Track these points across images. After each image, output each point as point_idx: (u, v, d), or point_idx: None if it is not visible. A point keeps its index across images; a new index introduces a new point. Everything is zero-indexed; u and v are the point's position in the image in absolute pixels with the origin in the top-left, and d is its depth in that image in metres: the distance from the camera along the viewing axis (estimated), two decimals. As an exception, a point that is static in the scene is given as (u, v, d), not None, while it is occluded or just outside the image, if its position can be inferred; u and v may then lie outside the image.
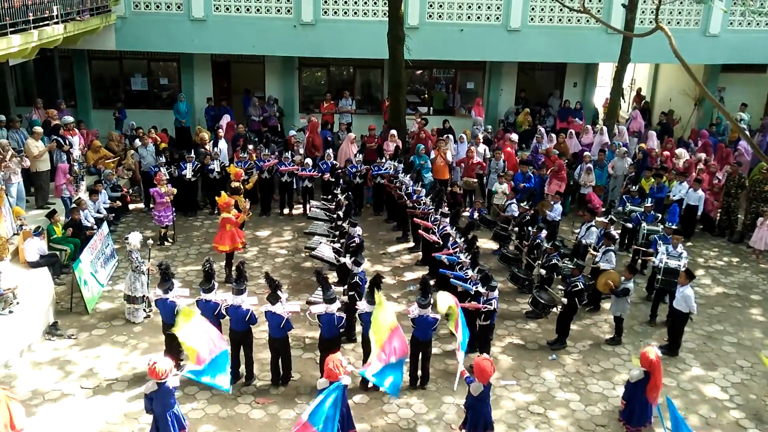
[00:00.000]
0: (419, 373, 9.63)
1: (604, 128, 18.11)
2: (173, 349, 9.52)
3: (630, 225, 13.98)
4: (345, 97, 19.53)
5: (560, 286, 11.09)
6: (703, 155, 16.72)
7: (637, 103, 22.91)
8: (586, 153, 16.49)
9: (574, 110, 20.32)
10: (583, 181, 15.94)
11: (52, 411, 8.86)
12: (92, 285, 11.58)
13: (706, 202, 15.05)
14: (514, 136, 17.90)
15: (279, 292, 9.28)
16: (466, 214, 15.71)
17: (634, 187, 14.94)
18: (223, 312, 9.34)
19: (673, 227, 12.67)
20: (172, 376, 7.57)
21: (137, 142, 16.20)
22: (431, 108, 21.41)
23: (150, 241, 12.11)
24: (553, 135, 18.03)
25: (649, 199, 13.98)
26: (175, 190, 14.03)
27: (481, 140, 17.19)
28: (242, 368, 9.60)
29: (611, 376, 10.12)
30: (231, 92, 21.10)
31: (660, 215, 13.76)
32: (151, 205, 14.69)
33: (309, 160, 15.75)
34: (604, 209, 16.03)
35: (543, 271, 11.90)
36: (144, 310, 11.06)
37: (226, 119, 18.39)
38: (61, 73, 18.55)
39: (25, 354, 10.04)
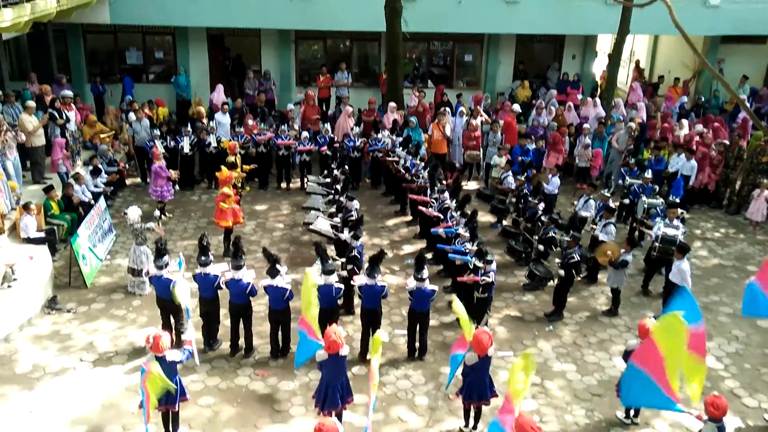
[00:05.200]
0: (417, 344, 9.70)
1: (598, 101, 18.02)
2: (169, 324, 9.61)
3: (628, 200, 13.96)
4: (341, 70, 19.37)
5: (557, 259, 11.13)
6: (700, 126, 16.65)
7: (637, 76, 22.76)
8: (585, 126, 16.43)
9: (572, 82, 20.19)
10: (579, 154, 15.91)
11: (53, 384, 8.92)
12: (90, 259, 11.60)
13: (703, 174, 15.05)
14: (516, 107, 17.81)
15: (278, 266, 9.31)
16: (469, 186, 15.71)
17: (632, 160, 14.91)
18: (223, 285, 9.38)
19: (676, 200, 12.64)
20: (170, 349, 7.63)
21: (131, 116, 16.10)
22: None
23: (158, 214, 12.44)
24: (552, 108, 17.93)
25: (648, 172, 13.95)
26: (177, 173, 14.00)
27: (482, 112, 17.11)
28: (241, 341, 9.67)
29: (608, 347, 10.21)
30: (230, 66, 20.97)
31: (657, 187, 13.75)
32: (148, 180, 14.66)
33: (306, 134, 15.67)
34: (600, 181, 16.09)
35: (540, 247, 11.93)
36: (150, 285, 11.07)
37: (219, 92, 18.26)
38: (55, 48, 18.37)
39: (25, 328, 10.09)
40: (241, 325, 9.58)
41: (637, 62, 23.66)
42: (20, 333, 9.98)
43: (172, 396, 7.68)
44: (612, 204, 12.68)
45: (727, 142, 15.70)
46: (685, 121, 16.99)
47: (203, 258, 9.42)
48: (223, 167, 12.74)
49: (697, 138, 15.96)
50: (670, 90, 20.05)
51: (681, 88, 20.20)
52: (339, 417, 7.92)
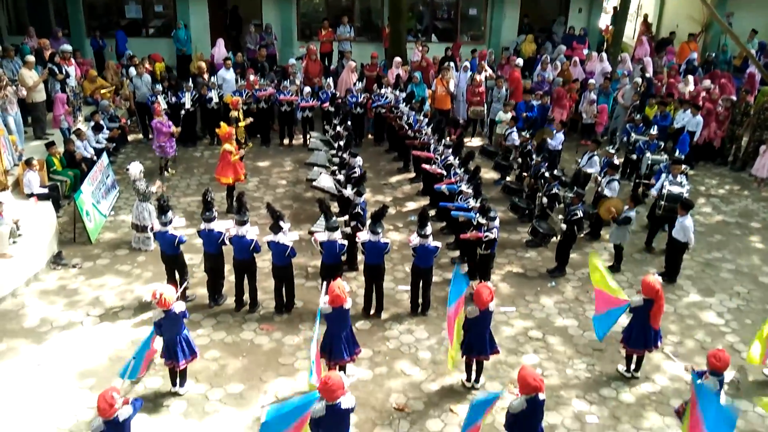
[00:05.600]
0: (420, 300, 9.77)
1: (604, 55, 17.75)
2: (174, 279, 9.68)
3: (634, 156, 13.86)
4: (344, 24, 19.06)
5: (561, 216, 11.12)
6: (708, 81, 16.43)
7: (644, 30, 22.38)
8: (590, 81, 16.23)
9: (578, 37, 19.87)
10: (584, 110, 15.76)
11: (61, 338, 9.03)
12: (94, 215, 11.62)
13: (708, 130, 14.92)
14: (519, 60, 17.57)
15: (281, 222, 9.32)
16: (473, 143, 15.61)
17: (638, 116, 14.76)
18: (227, 241, 9.40)
19: (680, 157, 12.56)
20: (177, 302, 7.70)
21: (132, 71, 15.92)
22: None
23: (166, 174, 12.59)
24: (558, 63, 17.68)
25: (654, 128, 13.82)
26: (179, 130, 13.90)
27: (486, 67, 16.89)
28: (246, 296, 9.75)
29: (609, 302, 10.26)
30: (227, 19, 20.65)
31: (663, 143, 13.64)
32: (150, 137, 14.58)
33: (308, 89, 15.52)
34: (606, 137, 15.98)
35: (545, 200, 11.91)
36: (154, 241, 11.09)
37: (220, 46, 18.02)
38: (53, 1, 18.05)
39: (32, 283, 10.17)
40: (246, 281, 9.65)
41: (645, 16, 23.24)
42: (27, 288, 10.06)
43: (178, 353, 7.77)
44: (616, 160, 12.61)
45: (734, 97, 15.51)
46: (690, 77, 16.76)
47: (207, 214, 9.42)
48: (222, 123, 12.65)
49: (703, 93, 15.75)
50: (683, 46, 19.70)
51: (696, 44, 19.84)
52: (343, 370, 8.03)
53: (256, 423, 7.68)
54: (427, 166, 12.48)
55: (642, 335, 8.28)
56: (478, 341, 8.07)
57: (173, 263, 9.69)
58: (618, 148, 13.70)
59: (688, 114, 14.77)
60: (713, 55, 19.37)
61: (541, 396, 6.35)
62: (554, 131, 14.13)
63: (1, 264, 9.95)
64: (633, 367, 8.62)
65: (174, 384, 8.08)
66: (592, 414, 8.02)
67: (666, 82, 16.90)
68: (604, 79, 16.48)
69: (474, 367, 8.33)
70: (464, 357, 8.27)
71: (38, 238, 10.70)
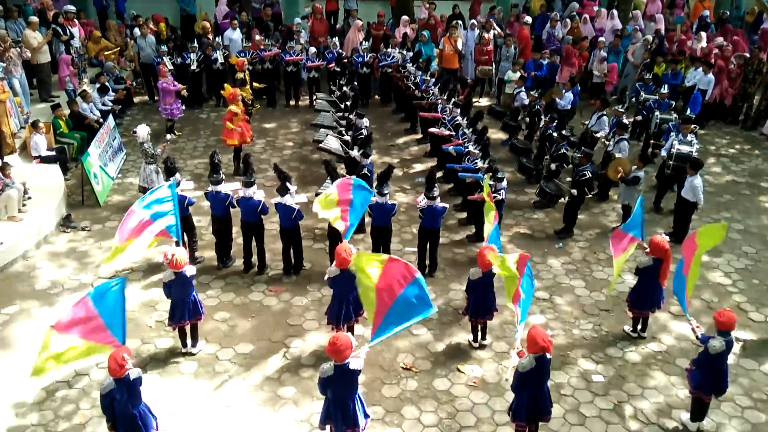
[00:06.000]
0: (427, 262, 9.81)
1: (615, 12, 17.41)
2: (183, 241, 9.71)
3: (642, 116, 13.68)
4: (350, -18, 18.75)
5: (569, 178, 11.05)
6: (720, 38, 16.13)
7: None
8: (600, 39, 15.96)
9: (589, -8, 19.46)
10: (595, 69, 15.53)
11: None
12: (102, 178, 11.65)
13: (720, 88, 14.69)
14: (528, 18, 17.26)
15: (288, 184, 9.32)
16: (481, 103, 15.44)
17: (648, 74, 14.52)
18: (234, 203, 9.42)
19: (690, 116, 12.40)
20: (188, 266, 7.76)
21: (136, 31, 15.75)
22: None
23: (172, 135, 12.68)
24: (568, 20, 17.37)
25: (665, 86, 13.60)
26: (185, 87, 13.80)
27: (494, 25, 16.62)
28: (254, 258, 9.80)
29: (617, 263, 10.26)
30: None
31: (674, 103, 13.45)
32: (156, 98, 14.51)
33: (313, 49, 15.33)
34: (615, 97, 15.78)
35: (552, 163, 11.84)
36: None
37: (222, 3, 17.77)
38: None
39: (42, 246, 10.26)
40: (254, 243, 9.69)
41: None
42: (37, 250, 10.15)
43: (186, 312, 7.86)
44: (626, 120, 12.47)
45: (747, 55, 15.24)
46: (703, 34, 16.43)
47: (214, 176, 9.42)
48: (226, 84, 12.54)
49: (716, 51, 15.47)
50: (697, 4, 19.24)
51: (709, 1, 19.38)
52: (351, 330, 8.12)
53: (266, 382, 7.82)
54: (434, 130, 12.38)
55: (648, 296, 8.31)
56: (483, 303, 8.12)
57: (182, 225, 9.70)
58: (627, 108, 13.53)
59: (699, 72, 14.53)
60: (726, 12, 18.95)
61: (548, 355, 6.41)
62: (563, 91, 13.96)
63: (12, 227, 10.03)
64: (639, 327, 8.67)
65: (184, 345, 8.20)
66: (598, 373, 8.09)
67: (678, 39, 16.58)
68: (614, 36, 16.20)
69: (479, 327, 8.40)
70: (471, 320, 8.34)
71: (47, 201, 10.75)
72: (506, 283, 7.61)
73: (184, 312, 7.86)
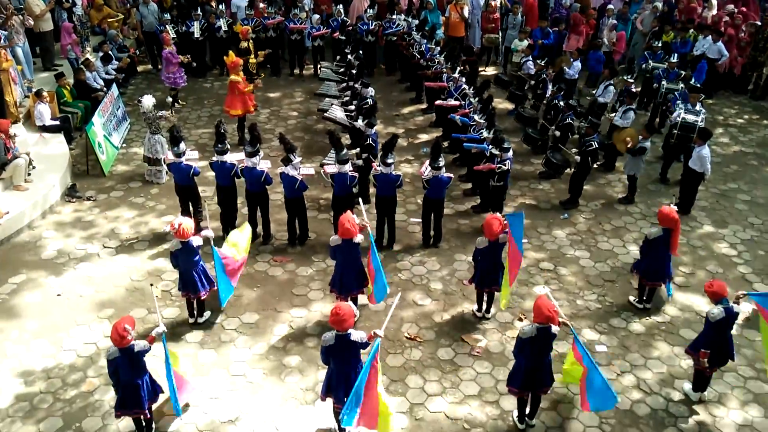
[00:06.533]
0: (432, 232, 9.81)
1: None
2: (188, 211, 9.75)
3: (649, 85, 13.51)
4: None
5: (575, 149, 10.97)
6: (731, 6, 15.84)
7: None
8: (609, 6, 15.70)
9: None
10: (605, 37, 15.30)
11: (78, 269, 9.19)
12: (106, 147, 11.62)
13: (730, 57, 14.48)
14: None
15: (291, 156, 9.28)
16: (487, 72, 15.27)
17: (657, 43, 14.30)
18: (239, 173, 9.40)
19: (697, 85, 12.25)
20: (195, 236, 7.77)
21: (138, -1, 15.59)
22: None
23: (177, 105, 12.66)
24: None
25: (675, 55, 13.39)
26: (189, 57, 13.69)
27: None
28: (259, 228, 9.82)
29: (622, 234, 10.26)
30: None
31: (683, 72, 13.27)
32: (160, 67, 14.40)
33: (317, 17, 15.14)
34: (624, 66, 15.58)
35: (558, 132, 11.75)
36: (166, 173, 11.11)
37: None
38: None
39: (48, 215, 10.29)
40: (259, 213, 9.70)
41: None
42: (43, 220, 10.19)
43: (197, 284, 7.89)
44: (634, 89, 12.32)
45: (758, 23, 14.99)
46: (714, 1, 16.12)
47: (219, 146, 9.38)
48: (230, 52, 12.42)
49: (726, 18, 15.21)
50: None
51: None
52: (354, 301, 8.15)
53: (271, 351, 7.89)
54: (440, 102, 12.26)
55: (660, 267, 8.30)
56: (490, 273, 8.13)
57: (187, 195, 9.74)
58: (636, 77, 13.35)
59: (708, 40, 14.29)
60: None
61: (554, 329, 6.43)
62: (572, 59, 13.79)
63: (18, 196, 10.06)
64: (645, 297, 8.68)
65: (192, 315, 8.26)
66: (602, 344, 8.14)
67: (687, 7, 16.29)
68: (623, 4, 15.93)
69: (485, 298, 8.43)
70: (477, 289, 8.36)
71: (52, 170, 10.75)
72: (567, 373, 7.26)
73: (196, 282, 7.88)
